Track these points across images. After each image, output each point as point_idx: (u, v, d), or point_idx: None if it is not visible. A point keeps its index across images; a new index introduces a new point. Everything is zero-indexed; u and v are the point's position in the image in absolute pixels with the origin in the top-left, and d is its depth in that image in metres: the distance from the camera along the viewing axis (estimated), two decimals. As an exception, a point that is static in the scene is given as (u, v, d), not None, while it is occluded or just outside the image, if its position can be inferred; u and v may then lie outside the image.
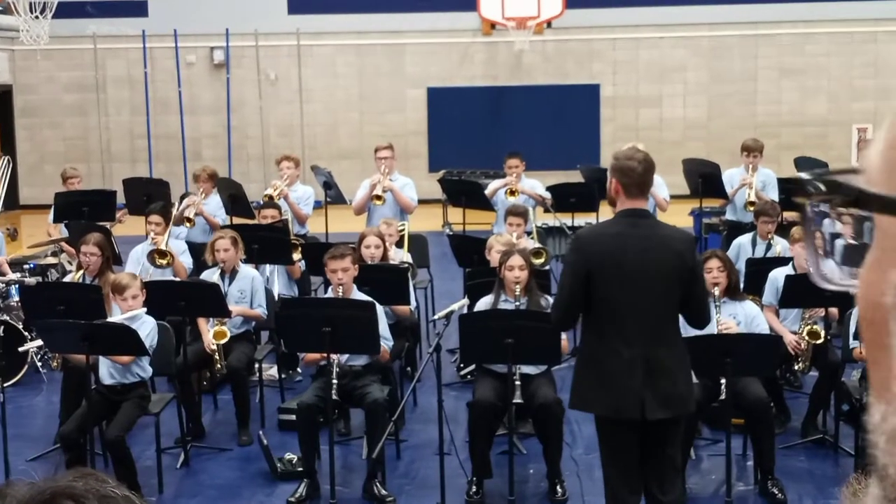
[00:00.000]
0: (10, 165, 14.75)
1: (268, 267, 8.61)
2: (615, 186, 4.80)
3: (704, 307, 5.00)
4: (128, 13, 17.98)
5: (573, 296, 4.76)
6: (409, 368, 8.18)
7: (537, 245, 8.69)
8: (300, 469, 6.39)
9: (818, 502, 6.12)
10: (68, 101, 18.48)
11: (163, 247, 8.29)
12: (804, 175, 0.75)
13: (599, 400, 4.80)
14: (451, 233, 10.88)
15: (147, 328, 6.33)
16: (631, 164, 4.76)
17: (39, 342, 6.67)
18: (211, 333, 7.25)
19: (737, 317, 6.57)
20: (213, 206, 9.83)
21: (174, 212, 9.32)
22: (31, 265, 9.49)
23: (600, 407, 4.83)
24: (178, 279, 8.14)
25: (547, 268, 8.39)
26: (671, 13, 17.69)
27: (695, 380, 5.32)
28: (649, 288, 4.72)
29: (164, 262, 8.25)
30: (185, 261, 8.53)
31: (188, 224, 9.51)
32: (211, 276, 7.58)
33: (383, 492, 6.23)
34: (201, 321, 7.46)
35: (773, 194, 9.84)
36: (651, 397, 4.70)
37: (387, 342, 6.50)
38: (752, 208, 9.61)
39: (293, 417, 6.76)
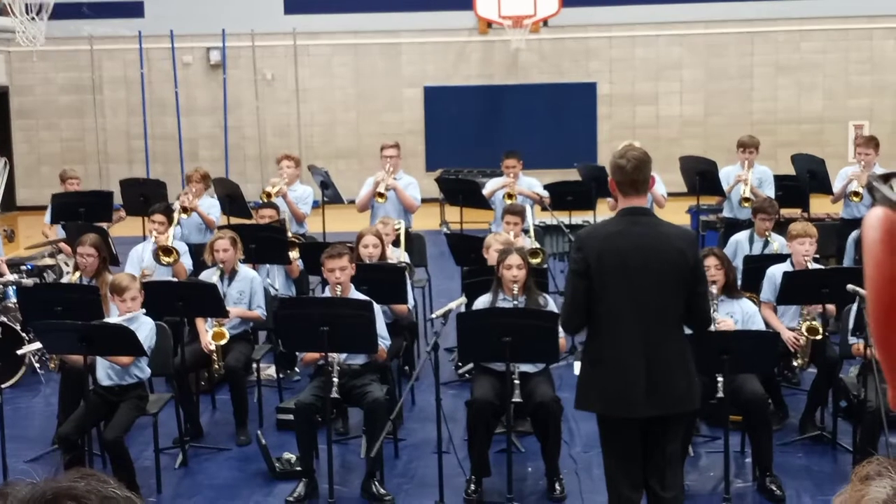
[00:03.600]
0: (8, 167, 14.73)
1: (267, 266, 8.60)
2: (612, 185, 4.82)
3: (706, 306, 4.96)
4: (124, 14, 17.96)
5: (576, 292, 4.74)
6: (406, 367, 8.18)
7: (535, 244, 8.69)
8: (298, 468, 6.39)
9: (816, 499, 6.12)
10: (65, 103, 18.46)
11: (168, 243, 8.27)
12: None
13: (602, 399, 4.79)
14: (448, 231, 10.86)
15: (145, 329, 6.33)
16: (621, 163, 4.75)
17: (38, 345, 6.65)
18: (210, 334, 7.25)
19: (734, 315, 6.58)
20: (206, 206, 9.80)
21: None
22: (29, 266, 9.48)
23: (603, 406, 4.81)
24: (176, 279, 8.13)
25: (545, 266, 8.39)
26: (667, 11, 17.69)
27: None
28: (650, 285, 4.69)
29: (169, 259, 8.24)
30: (186, 262, 8.52)
31: (185, 214, 9.41)
32: (210, 276, 7.58)
33: (382, 491, 6.23)
34: (199, 321, 7.46)
35: (770, 191, 9.83)
36: (653, 395, 4.68)
37: (384, 341, 6.50)
38: (746, 204, 9.59)
39: (291, 417, 6.76)
